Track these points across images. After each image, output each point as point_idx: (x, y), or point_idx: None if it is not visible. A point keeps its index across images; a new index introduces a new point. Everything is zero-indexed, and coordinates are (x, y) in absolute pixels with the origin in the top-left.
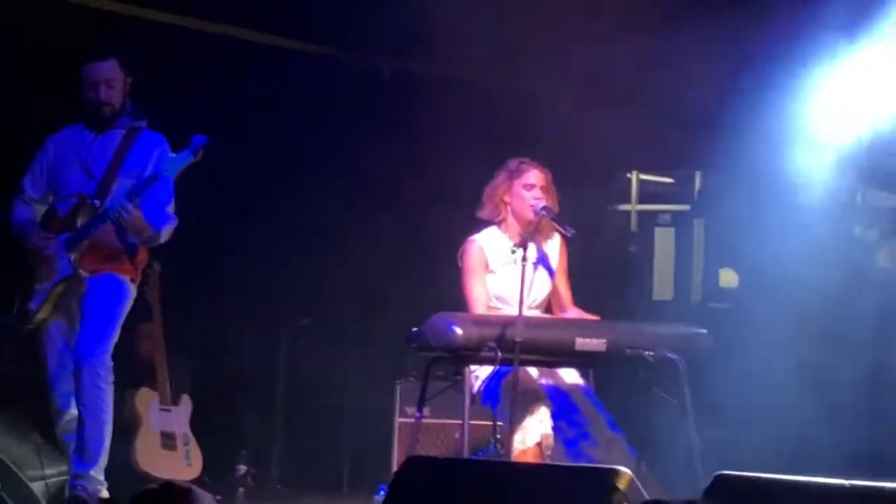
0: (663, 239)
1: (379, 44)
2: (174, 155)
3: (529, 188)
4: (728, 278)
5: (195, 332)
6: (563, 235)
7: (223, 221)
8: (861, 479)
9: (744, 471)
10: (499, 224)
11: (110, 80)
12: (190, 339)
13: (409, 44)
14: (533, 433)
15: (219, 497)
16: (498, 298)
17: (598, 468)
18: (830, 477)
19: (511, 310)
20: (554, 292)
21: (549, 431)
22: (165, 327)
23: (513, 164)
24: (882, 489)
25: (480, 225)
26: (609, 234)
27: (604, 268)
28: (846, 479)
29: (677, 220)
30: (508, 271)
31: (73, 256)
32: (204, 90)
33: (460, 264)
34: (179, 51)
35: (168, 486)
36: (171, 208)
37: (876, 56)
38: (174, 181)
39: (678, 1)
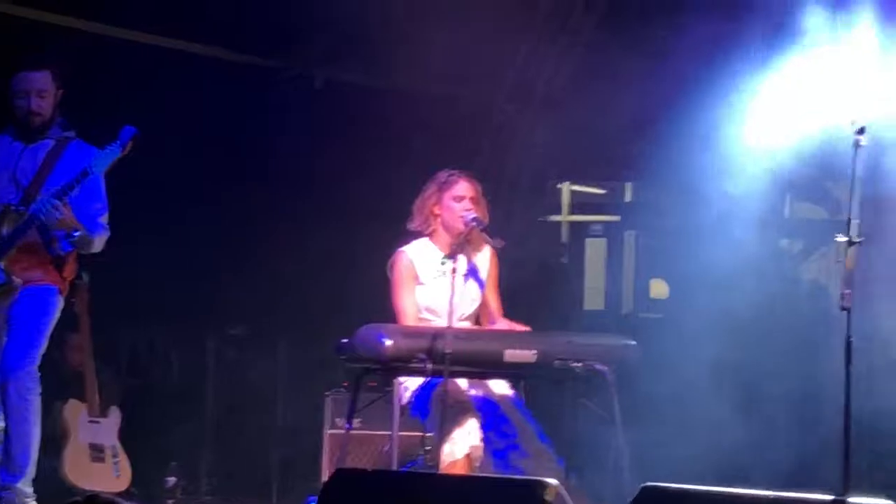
0: (594, 249)
1: (311, 54)
2: (102, 150)
3: (459, 200)
4: (659, 289)
5: (124, 343)
6: (492, 247)
7: (152, 231)
8: (789, 491)
9: (672, 482)
10: (429, 236)
11: (42, 90)
12: (118, 350)
13: (341, 54)
14: (462, 445)
15: None
16: (428, 310)
17: (525, 480)
18: (758, 488)
19: (441, 322)
20: (483, 304)
21: (478, 443)
22: (94, 338)
23: (442, 175)
24: (806, 500)
25: (411, 236)
26: (540, 245)
27: (535, 278)
28: (773, 490)
29: (608, 230)
30: (438, 283)
31: (2, 264)
32: (135, 101)
33: (390, 276)
34: (112, 61)
35: (92, 499)
36: (104, 219)
37: (803, 69)
38: (106, 192)
39: (609, 13)
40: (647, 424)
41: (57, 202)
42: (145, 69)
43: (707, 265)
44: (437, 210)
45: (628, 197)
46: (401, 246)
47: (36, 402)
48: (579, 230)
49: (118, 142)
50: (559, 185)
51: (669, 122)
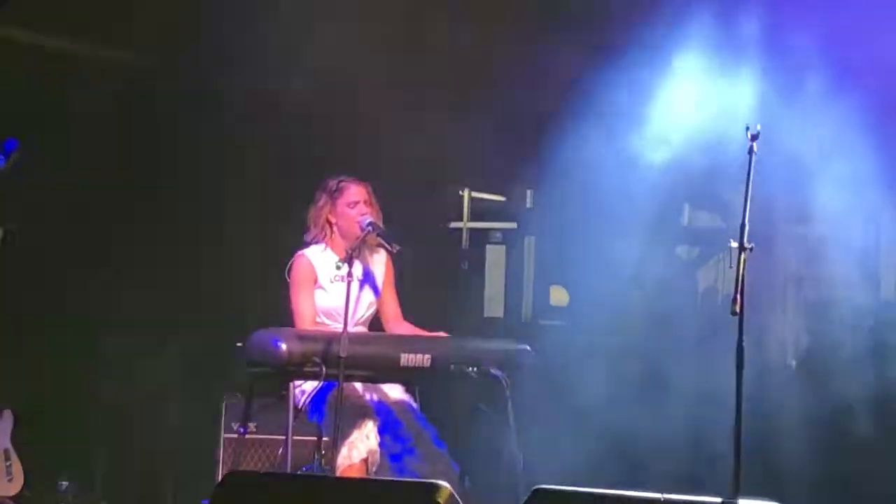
0: (494, 256)
1: (203, 61)
2: None
3: (353, 205)
4: (559, 296)
5: (16, 346)
6: (388, 252)
7: (47, 231)
8: (681, 494)
9: (566, 486)
10: (326, 241)
11: None
12: (10, 352)
13: (242, 61)
14: (360, 448)
15: None
16: (325, 314)
17: (418, 483)
18: (651, 492)
19: (338, 326)
20: (382, 308)
21: (376, 447)
22: None
23: (332, 183)
24: (696, 503)
25: (306, 243)
26: (440, 252)
27: (435, 284)
28: (667, 493)
29: (508, 237)
30: (335, 288)
31: None
32: (29, 106)
33: (288, 278)
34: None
35: None
36: None
37: (697, 78)
38: None
39: (508, 17)
40: (543, 429)
41: None
42: (43, 70)
43: (606, 273)
44: (332, 218)
45: (528, 204)
46: (299, 249)
47: None
48: (480, 237)
49: (1, 154)
50: (460, 192)
51: (568, 130)
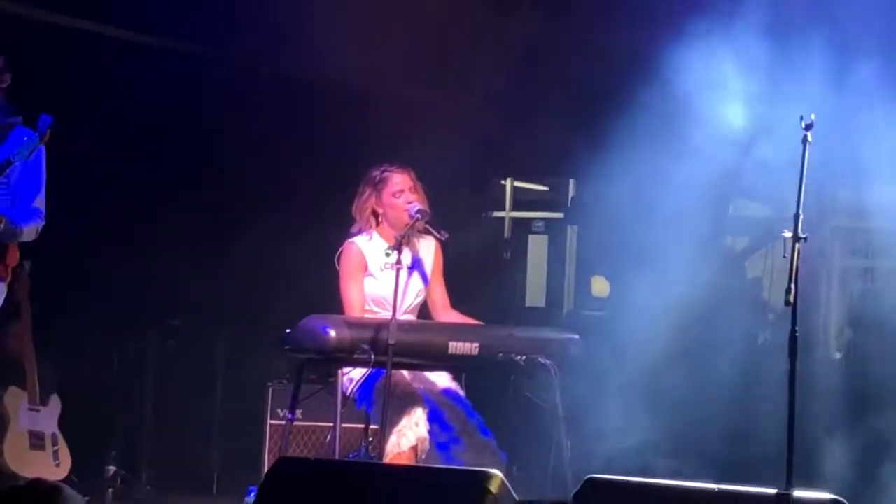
0: (536, 246)
1: (255, 44)
2: (23, 139)
3: (399, 195)
4: (600, 286)
5: (64, 332)
6: (437, 239)
7: (94, 219)
8: (732, 484)
9: (612, 475)
10: (376, 229)
11: None
12: (59, 338)
13: (286, 45)
14: (409, 436)
15: (87, 498)
16: (374, 302)
17: (470, 471)
18: (702, 481)
19: (387, 314)
20: (430, 296)
21: (426, 435)
22: (34, 326)
23: (375, 174)
24: (749, 494)
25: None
26: (483, 241)
27: (477, 274)
28: (718, 482)
29: (551, 227)
30: (385, 275)
31: None
32: (80, 89)
33: (338, 267)
34: (53, 48)
35: (36, 484)
36: (39, 202)
37: (753, 67)
38: (45, 176)
39: (553, 7)
40: (590, 419)
41: None
42: (91, 57)
43: (649, 262)
44: (378, 209)
45: (571, 194)
46: (349, 237)
47: None
48: (522, 226)
49: (38, 130)
50: (502, 182)
51: (613, 119)
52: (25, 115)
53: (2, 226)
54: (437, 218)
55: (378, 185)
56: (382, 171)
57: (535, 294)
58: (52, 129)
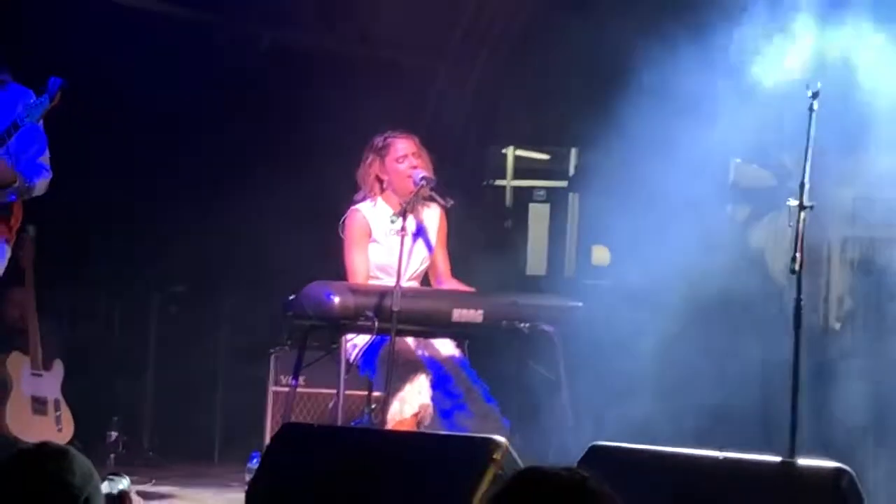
0: (538, 215)
1: (251, 10)
2: (31, 101)
3: (402, 160)
4: (600, 256)
5: (67, 297)
6: (442, 206)
7: (96, 185)
8: (736, 452)
9: (615, 442)
10: (379, 197)
11: None
12: (62, 303)
13: (287, 14)
14: (412, 403)
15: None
16: (379, 269)
17: (474, 437)
18: (702, 448)
19: (392, 281)
20: (432, 263)
21: (428, 402)
22: (37, 291)
23: (378, 140)
24: (754, 462)
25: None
26: (484, 209)
27: (478, 242)
28: (713, 449)
29: (552, 196)
30: (390, 242)
31: None
32: (76, 51)
33: (342, 233)
34: (49, 9)
35: (44, 447)
36: (44, 159)
37: (757, 32)
38: (46, 135)
39: None
40: (592, 386)
41: None
42: (88, 21)
43: (650, 232)
44: (382, 175)
45: (573, 162)
46: (353, 204)
47: None
48: (523, 195)
49: (47, 92)
50: (503, 150)
51: (615, 88)
52: (22, 77)
53: (17, 183)
54: (438, 185)
55: (382, 151)
56: (386, 138)
57: (536, 263)
58: (61, 90)
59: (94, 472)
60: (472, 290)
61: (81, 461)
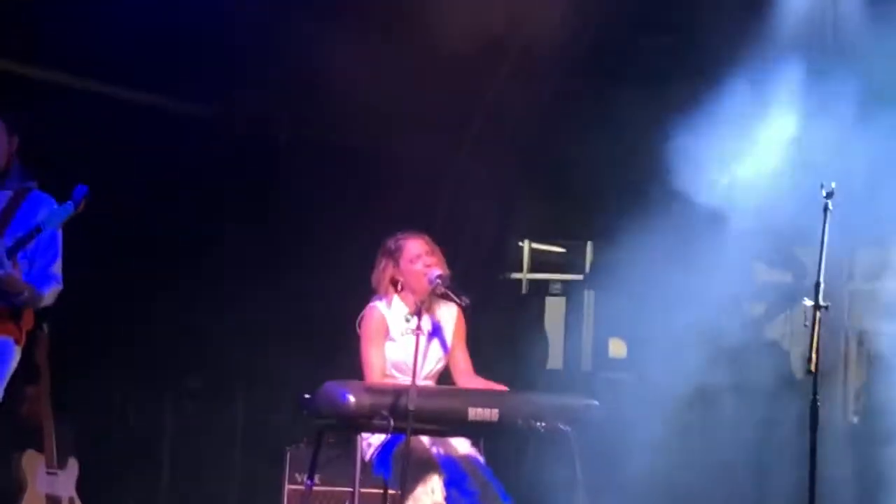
0: (554, 308)
1: (274, 111)
2: (56, 207)
3: (416, 260)
4: (617, 348)
5: (80, 394)
6: (458, 304)
7: (109, 281)
8: None
9: None
10: (397, 293)
11: None
12: (76, 400)
13: (305, 111)
14: (424, 503)
15: None
16: (395, 367)
17: None
18: None
19: (407, 379)
20: (453, 362)
21: (441, 501)
22: (51, 389)
23: (390, 243)
24: None
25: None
26: (500, 303)
27: (494, 337)
28: None
29: (568, 289)
30: (406, 340)
31: None
32: (94, 152)
33: (359, 330)
34: (70, 111)
35: None
36: (56, 268)
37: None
38: (62, 241)
39: (567, 73)
40: (609, 484)
41: (5, 261)
42: (107, 121)
43: (667, 326)
44: (398, 277)
45: (589, 257)
46: (370, 301)
47: None
48: (539, 288)
49: (71, 200)
50: (520, 243)
51: (632, 184)
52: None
53: (26, 294)
54: (454, 279)
55: (395, 254)
56: (397, 240)
57: (552, 357)
58: (86, 199)
59: None
60: (497, 385)
61: None
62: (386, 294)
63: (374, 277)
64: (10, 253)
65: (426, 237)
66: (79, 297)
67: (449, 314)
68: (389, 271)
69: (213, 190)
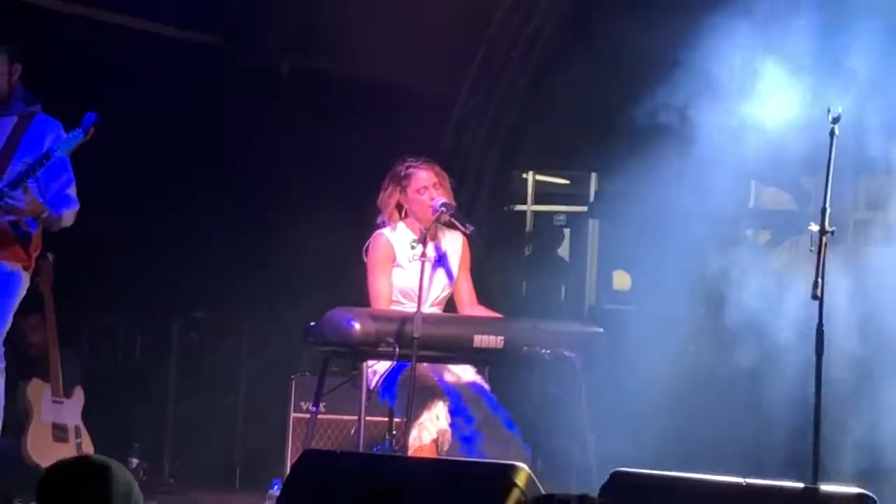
0: (558, 240)
1: (277, 40)
2: (66, 134)
3: (423, 191)
4: (621, 280)
5: (87, 324)
6: (462, 233)
7: (116, 211)
8: (748, 477)
9: (637, 468)
10: (403, 220)
11: None
12: (82, 330)
13: (308, 40)
14: (429, 429)
15: None
16: (402, 293)
17: (496, 464)
18: (722, 474)
19: (414, 306)
20: (456, 290)
21: (447, 428)
22: (57, 318)
23: (400, 169)
24: (776, 488)
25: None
26: (504, 234)
27: (498, 268)
28: (734, 476)
29: (572, 220)
30: (413, 267)
31: None
32: (98, 80)
33: (366, 258)
34: (71, 40)
35: (85, 460)
36: (72, 191)
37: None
38: (72, 166)
39: (571, 2)
40: (613, 412)
41: (16, 192)
42: (110, 49)
43: (671, 256)
44: (403, 203)
45: (593, 187)
46: (377, 228)
47: (1, 381)
48: (544, 220)
49: (81, 127)
50: (524, 175)
51: (637, 112)
52: (55, 111)
53: (45, 214)
54: (459, 211)
55: (402, 182)
56: (407, 167)
57: (556, 289)
58: (96, 126)
59: (135, 487)
60: (498, 315)
61: (122, 476)
62: (390, 218)
63: (381, 200)
64: (19, 181)
65: (436, 167)
66: (86, 227)
67: (454, 243)
68: (396, 197)
69: (214, 119)
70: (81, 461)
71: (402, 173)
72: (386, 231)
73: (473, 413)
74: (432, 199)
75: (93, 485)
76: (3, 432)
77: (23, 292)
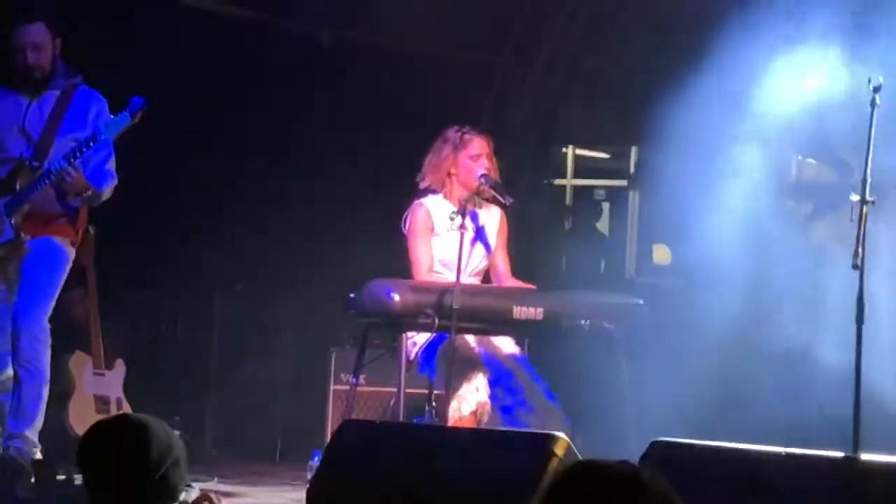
0: (598, 214)
1: (319, 13)
2: (113, 117)
3: (476, 158)
4: (661, 254)
5: (129, 297)
6: (501, 205)
7: (158, 185)
8: (797, 448)
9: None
10: (442, 192)
11: (38, 43)
12: (124, 303)
13: (350, 13)
14: (469, 401)
15: None
16: (442, 263)
17: (535, 433)
18: (766, 444)
19: (453, 275)
20: (492, 264)
21: (486, 399)
22: (99, 291)
23: (455, 135)
24: (817, 457)
25: (421, 193)
26: (544, 209)
27: (537, 243)
28: (782, 447)
29: (612, 195)
30: (452, 237)
31: (14, 220)
32: (142, 56)
33: (405, 228)
34: (116, 15)
35: (123, 419)
36: (111, 165)
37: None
38: (114, 149)
39: None
40: (654, 383)
41: (69, 167)
42: (152, 23)
43: (711, 229)
44: (453, 170)
45: (633, 161)
46: (414, 200)
47: (46, 354)
48: (583, 194)
49: (128, 111)
50: (564, 149)
51: (677, 85)
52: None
53: (89, 192)
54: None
55: (458, 146)
56: (464, 133)
57: (595, 262)
58: (142, 111)
59: (176, 445)
60: (532, 287)
61: (161, 435)
62: (438, 182)
63: (431, 162)
64: (69, 157)
65: (489, 140)
66: (127, 200)
67: (492, 216)
68: (449, 160)
69: (258, 94)
70: (119, 419)
71: (459, 139)
72: (425, 201)
73: (513, 384)
74: (479, 168)
75: (131, 441)
76: (46, 405)
77: (68, 267)
